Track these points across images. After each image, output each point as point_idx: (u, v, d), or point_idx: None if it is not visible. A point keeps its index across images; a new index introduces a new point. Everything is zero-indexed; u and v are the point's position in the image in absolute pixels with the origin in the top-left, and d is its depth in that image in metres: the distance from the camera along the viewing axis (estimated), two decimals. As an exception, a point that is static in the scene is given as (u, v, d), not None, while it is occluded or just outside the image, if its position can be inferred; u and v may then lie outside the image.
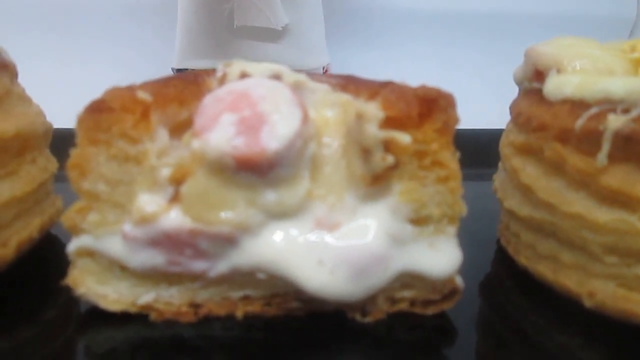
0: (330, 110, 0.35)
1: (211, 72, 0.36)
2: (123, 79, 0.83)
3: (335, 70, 0.83)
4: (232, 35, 0.75)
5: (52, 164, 0.42)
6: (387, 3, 0.93)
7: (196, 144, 0.31)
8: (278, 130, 0.31)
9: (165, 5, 0.88)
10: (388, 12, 0.94)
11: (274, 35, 0.75)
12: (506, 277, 0.43)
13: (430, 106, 0.32)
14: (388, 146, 0.32)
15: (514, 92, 0.44)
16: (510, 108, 0.43)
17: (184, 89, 0.35)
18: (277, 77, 0.36)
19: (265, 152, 0.31)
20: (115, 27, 0.90)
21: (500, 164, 0.47)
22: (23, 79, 0.43)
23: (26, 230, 0.38)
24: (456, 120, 0.32)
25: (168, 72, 0.79)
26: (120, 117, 0.32)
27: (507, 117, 0.44)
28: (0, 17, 0.92)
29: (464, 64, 0.94)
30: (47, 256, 0.43)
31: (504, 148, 0.42)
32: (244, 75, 0.35)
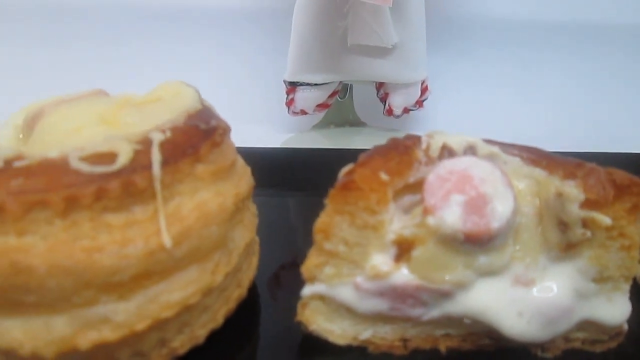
0: (522, 182, 0.42)
1: (416, 141, 0.43)
2: (234, 91, 0.88)
3: (433, 83, 0.87)
4: (344, 52, 0.79)
5: (254, 206, 0.49)
6: (485, 12, 0.93)
7: (432, 220, 0.38)
8: (499, 211, 0.38)
9: (276, 19, 0.92)
10: (487, 21, 0.93)
11: (382, 52, 0.79)
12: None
13: (622, 190, 0.38)
14: (585, 222, 0.39)
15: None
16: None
17: (400, 161, 0.41)
18: (472, 148, 0.42)
19: (490, 230, 0.37)
20: (226, 38, 0.93)
21: None
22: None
23: (250, 268, 0.45)
24: (644, 202, 0.39)
25: (280, 84, 0.85)
26: (367, 195, 0.38)
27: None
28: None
29: (570, 78, 0.91)
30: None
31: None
32: (445, 147, 0.42)
